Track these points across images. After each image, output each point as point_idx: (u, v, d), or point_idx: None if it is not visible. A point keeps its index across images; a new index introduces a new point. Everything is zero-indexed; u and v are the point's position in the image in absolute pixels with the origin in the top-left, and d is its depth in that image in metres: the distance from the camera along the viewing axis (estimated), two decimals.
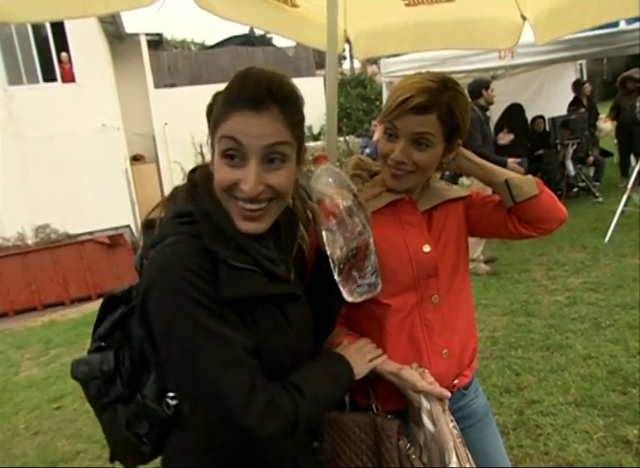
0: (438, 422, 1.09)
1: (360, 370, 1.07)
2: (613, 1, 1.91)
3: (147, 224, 0.97)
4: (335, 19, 1.59)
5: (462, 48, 2.70)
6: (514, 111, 7.36)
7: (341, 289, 1.02)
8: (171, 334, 0.83)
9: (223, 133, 0.87)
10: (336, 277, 1.01)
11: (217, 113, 0.90)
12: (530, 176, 1.26)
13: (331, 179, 1.02)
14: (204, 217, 0.91)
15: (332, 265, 1.01)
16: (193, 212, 0.91)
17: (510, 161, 5.03)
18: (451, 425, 1.11)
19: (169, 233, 0.90)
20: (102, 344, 1.04)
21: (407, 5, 2.23)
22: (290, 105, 0.90)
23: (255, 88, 0.87)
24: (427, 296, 1.23)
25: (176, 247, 0.87)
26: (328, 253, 1.01)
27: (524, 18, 2.18)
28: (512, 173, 1.27)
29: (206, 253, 0.87)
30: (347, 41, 2.48)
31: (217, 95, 0.93)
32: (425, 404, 1.11)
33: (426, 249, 1.23)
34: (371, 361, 1.12)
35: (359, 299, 1.04)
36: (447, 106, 1.13)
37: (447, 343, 1.24)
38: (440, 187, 1.31)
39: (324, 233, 1.01)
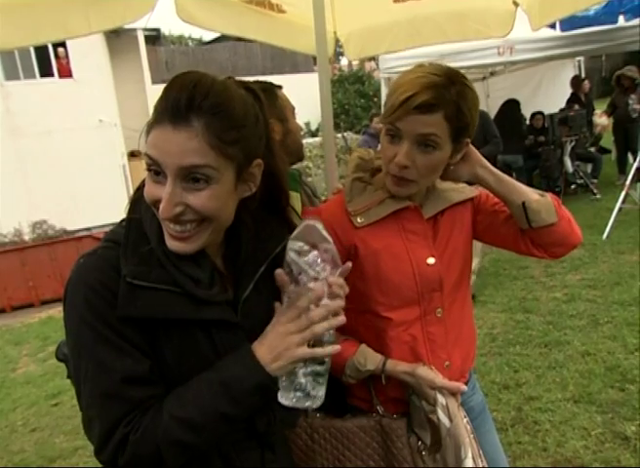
0: (455, 418, 1.08)
1: (279, 363, 0.80)
2: None
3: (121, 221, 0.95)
4: (322, 21, 1.57)
5: (456, 40, 2.59)
6: (509, 107, 7.34)
7: (280, 384, 0.83)
8: (69, 345, 0.84)
9: (145, 148, 0.79)
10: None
11: (149, 122, 0.80)
12: (549, 199, 1.13)
13: (312, 250, 0.83)
14: (134, 225, 0.86)
15: None
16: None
17: None
18: (465, 421, 1.11)
19: (106, 237, 0.88)
20: None
21: (395, 1, 2.19)
22: (220, 119, 0.78)
23: (176, 97, 0.76)
24: (431, 310, 1.17)
25: (89, 259, 0.84)
26: None
27: (516, 4, 2.13)
28: (532, 193, 1.14)
29: (119, 265, 0.82)
30: (337, 43, 2.45)
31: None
32: (441, 399, 1.10)
33: (431, 261, 1.16)
34: (298, 346, 0.81)
35: (287, 404, 0.82)
36: (454, 104, 1.03)
37: (449, 356, 1.20)
38: (446, 189, 1.22)
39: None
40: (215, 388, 0.80)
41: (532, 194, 1.13)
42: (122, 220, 0.91)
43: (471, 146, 1.15)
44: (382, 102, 7.07)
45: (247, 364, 0.81)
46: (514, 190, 1.13)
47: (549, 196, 1.15)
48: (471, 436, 1.10)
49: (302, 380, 0.83)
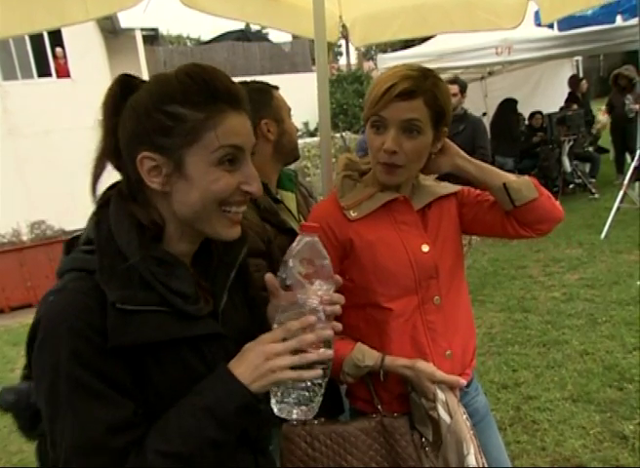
0: (455, 414, 1.09)
1: (261, 384, 0.77)
2: None
3: (69, 245, 0.85)
4: (322, 4, 1.54)
5: (464, 30, 2.55)
6: (504, 108, 7.27)
7: (275, 398, 0.81)
8: (43, 397, 0.75)
9: (220, 142, 0.78)
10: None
11: (186, 122, 0.77)
12: (527, 178, 1.23)
13: (310, 267, 0.81)
14: (104, 246, 0.79)
15: None
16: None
17: None
18: (464, 417, 1.12)
19: (67, 267, 0.81)
20: None
21: None
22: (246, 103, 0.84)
23: (231, 87, 0.80)
24: (429, 298, 1.21)
25: (60, 296, 0.76)
26: None
27: None
28: (510, 175, 1.23)
29: (98, 295, 0.75)
30: (344, 28, 2.40)
31: (157, 103, 0.78)
32: (441, 395, 1.11)
33: (425, 248, 1.21)
34: (283, 370, 0.77)
35: (285, 416, 0.81)
36: (431, 92, 1.12)
37: (449, 344, 1.23)
38: (430, 184, 1.29)
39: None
40: (198, 415, 0.76)
41: (511, 176, 1.23)
42: (71, 240, 0.85)
43: (447, 140, 1.24)
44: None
45: (228, 385, 0.77)
46: (494, 175, 1.23)
47: (527, 177, 1.24)
48: (471, 432, 1.10)
49: (301, 392, 0.80)
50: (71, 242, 0.86)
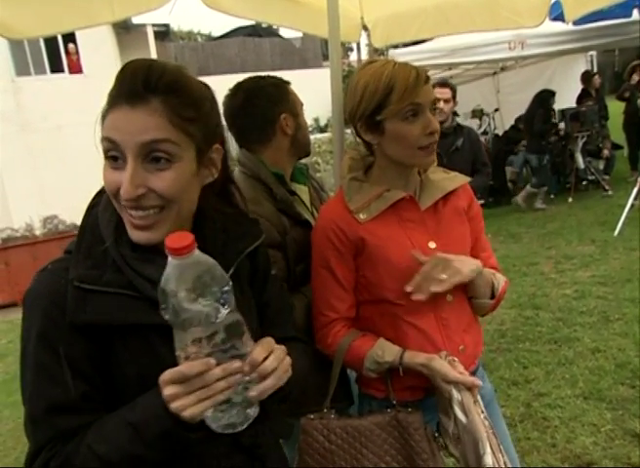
0: (470, 413, 1.10)
1: (192, 411, 0.70)
2: None
3: None
4: (335, 6, 1.54)
5: (486, 29, 2.53)
6: (539, 99, 6.90)
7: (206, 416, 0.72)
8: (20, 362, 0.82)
9: (102, 133, 0.77)
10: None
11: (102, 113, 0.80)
12: (497, 300, 1.26)
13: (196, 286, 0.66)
14: (88, 229, 0.84)
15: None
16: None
17: None
18: (482, 416, 1.12)
19: (65, 250, 0.85)
20: None
21: None
22: (177, 97, 0.77)
23: (130, 80, 0.77)
24: (442, 295, 1.21)
25: (39, 276, 0.82)
26: None
27: None
28: (489, 292, 1.26)
29: (68, 275, 0.79)
30: (365, 29, 2.40)
31: None
32: (456, 395, 1.11)
33: (432, 245, 1.22)
34: (205, 399, 0.69)
35: (219, 430, 0.73)
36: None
37: (462, 340, 1.24)
38: (439, 178, 1.29)
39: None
40: (126, 430, 0.75)
41: (487, 294, 1.26)
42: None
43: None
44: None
45: (156, 409, 0.72)
46: (481, 287, 1.25)
47: (497, 299, 1.26)
48: (490, 431, 1.11)
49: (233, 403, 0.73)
50: None
